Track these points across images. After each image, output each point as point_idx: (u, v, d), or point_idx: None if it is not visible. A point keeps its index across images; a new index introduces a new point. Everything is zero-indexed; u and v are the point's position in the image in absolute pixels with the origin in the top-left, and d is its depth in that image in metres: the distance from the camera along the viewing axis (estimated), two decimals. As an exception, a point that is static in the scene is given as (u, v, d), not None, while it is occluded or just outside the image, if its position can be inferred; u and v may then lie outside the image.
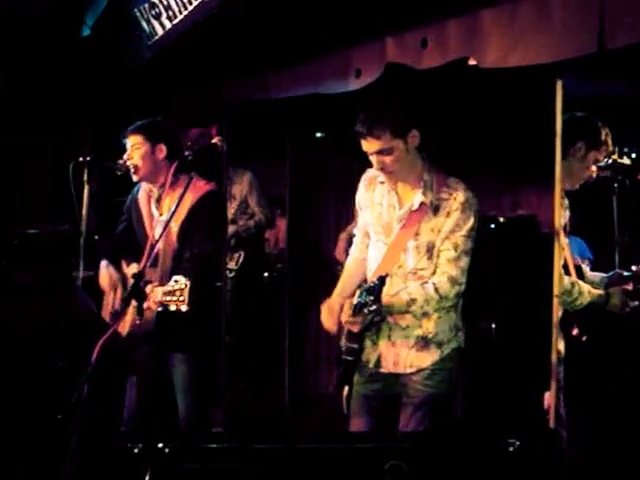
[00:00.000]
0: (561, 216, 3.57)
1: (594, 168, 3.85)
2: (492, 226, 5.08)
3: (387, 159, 3.41)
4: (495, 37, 3.32)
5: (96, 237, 4.98)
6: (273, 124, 6.00)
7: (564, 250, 3.72)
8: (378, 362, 3.55)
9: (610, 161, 3.93)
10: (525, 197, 5.88)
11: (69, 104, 5.95)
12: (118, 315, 3.77)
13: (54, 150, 5.78)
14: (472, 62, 3.66)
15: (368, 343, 3.56)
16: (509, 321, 4.81)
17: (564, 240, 3.72)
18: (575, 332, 3.83)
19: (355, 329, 3.48)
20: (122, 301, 4.00)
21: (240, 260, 6.19)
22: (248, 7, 4.27)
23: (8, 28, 5.66)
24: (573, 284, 3.70)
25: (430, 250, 3.45)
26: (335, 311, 3.51)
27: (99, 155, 4.34)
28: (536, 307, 3.71)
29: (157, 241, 3.87)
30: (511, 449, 2.75)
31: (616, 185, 4.28)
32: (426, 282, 3.42)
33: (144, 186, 4.29)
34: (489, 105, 5.20)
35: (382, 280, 3.25)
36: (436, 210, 3.44)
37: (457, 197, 3.42)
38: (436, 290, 3.40)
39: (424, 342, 3.50)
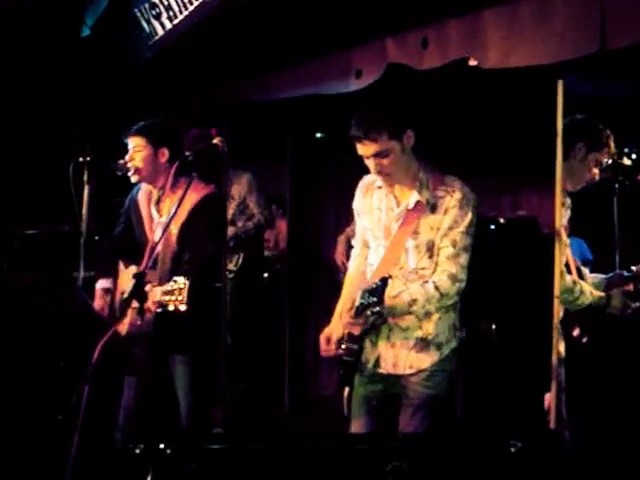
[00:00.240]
0: (562, 216, 3.57)
1: (595, 170, 3.85)
2: (492, 227, 5.08)
3: (384, 161, 3.40)
4: (496, 37, 3.32)
5: (96, 237, 4.97)
6: (273, 125, 6.00)
7: (566, 248, 3.72)
8: (377, 363, 3.55)
9: (610, 162, 3.93)
10: (525, 198, 5.88)
11: (69, 104, 5.95)
12: (119, 315, 3.76)
13: (54, 150, 5.77)
14: (473, 62, 3.66)
15: (367, 344, 3.55)
16: (510, 322, 4.80)
17: (566, 239, 3.71)
18: (576, 333, 3.83)
19: (356, 331, 3.47)
20: (123, 302, 3.99)
21: (240, 261, 6.18)
22: (248, 7, 4.27)
23: (8, 28, 5.66)
24: (575, 283, 3.69)
25: (430, 249, 3.44)
26: (333, 342, 3.51)
27: (99, 155, 4.33)
28: (537, 308, 3.71)
29: (157, 243, 3.86)
30: (512, 450, 2.75)
31: (616, 186, 4.28)
32: (426, 281, 3.41)
33: (144, 187, 4.28)
34: (490, 105, 5.20)
35: (385, 281, 3.23)
36: (433, 208, 3.43)
37: (454, 194, 3.42)
38: (436, 288, 3.39)
39: (424, 343, 3.49)
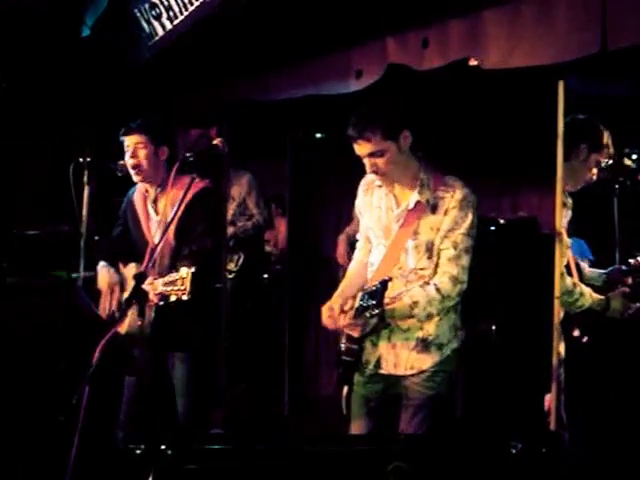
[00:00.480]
0: (563, 217, 3.57)
1: (595, 170, 3.85)
2: (492, 228, 5.07)
3: (379, 161, 3.40)
4: (497, 37, 3.32)
5: (96, 238, 4.97)
6: (273, 125, 6.00)
7: (567, 250, 3.72)
8: (378, 363, 3.55)
9: (611, 162, 3.93)
10: (525, 198, 5.87)
11: (69, 104, 5.94)
12: (119, 316, 3.76)
13: (54, 150, 5.77)
14: (473, 62, 3.65)
15: (368, 344, 3.55)
16: (510, 323, 4.80)
17: (567, 240, 3.71)
18: (576, 333, 3.83)
19: (355, 334, 3.47)
20: (124, 302, 3.98)
21: (240, 261, 6.18)
22: (248, 7, 4.27)
23: (8, 28, 5.65)
24: (575, 285, 3.69)
25: (430, 249, 3.44)
26: (335, 311, 3.50)
27: (99, 155, 4.32)
28: (537, 309, 3.70)
29: (157, 244, 3.85)
30: (513, 451, 2.74)
31: (617, 186, 4.28)
32: (427, 283, 3.41)
33: (139, 188, 4.28)
34: (490, 106, 5.19)
35: (384, 284, 3.23)
36: (434, 208, 3.43)
37: (454, 195, 3.41)
38: (438, 290, 3.39)
39: (425, 344, 3.48)
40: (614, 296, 3.80)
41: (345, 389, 3.61)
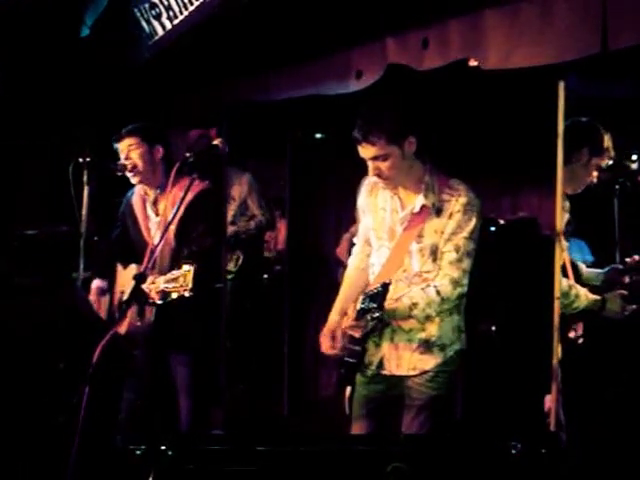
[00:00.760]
0: (562, 218, 3.57)
1: (596, 174, 3.85)
2: (492, 228, 5.06)
3: (382, 165, 3.40)
4: (497, 38, 3.31)
5: (95, 238, 4.97)
6: (273, 125, 5.99)
7: (563, 252, 3.71)
8: (380, 364, 3.55)
9: (612, 163, 3.93)
10: (526, 199, 5.87)
11: (69, 104, 5.93)
12: (119, 316, 3.76)
13: (54, 150, 5.76)
14: (473, 63, 3.65)
15: (371, 345, 3.55)
16: (510, 323, 4.79)
17: (564, 242, 3.71)
18: (572, 335, 3.83)
19: (357, 334, 3.47)
20: (124, 302, 3.98)
21: (239, 262, 6.18)
22: (249, 7, 4.26)
23: (8, 28, 5.65)
24: (570, 287, 3.69)
25: (434, 252, 3.44)
26: (337, 338, 3.49)
27: (99, 155, 4.32)
28: (537, 309, 3.70)
29: (157, 245, 3.85)
30: (512, 452, 2.74)
31: (617, 187, 4.28)
32: (428, 285, 3.41)
33: (138, 189, 4.29)
34: (490, 106, 5.19)
35: (385, 287, 3.23)
36: (438, 212, 3.43)
37: (459, 199, 3.41)
38: (438, 293, 3.39)
39: (427, 345, 3.48)
40: (610, 297, 3.80)
41: (348, 390, 3.61)
